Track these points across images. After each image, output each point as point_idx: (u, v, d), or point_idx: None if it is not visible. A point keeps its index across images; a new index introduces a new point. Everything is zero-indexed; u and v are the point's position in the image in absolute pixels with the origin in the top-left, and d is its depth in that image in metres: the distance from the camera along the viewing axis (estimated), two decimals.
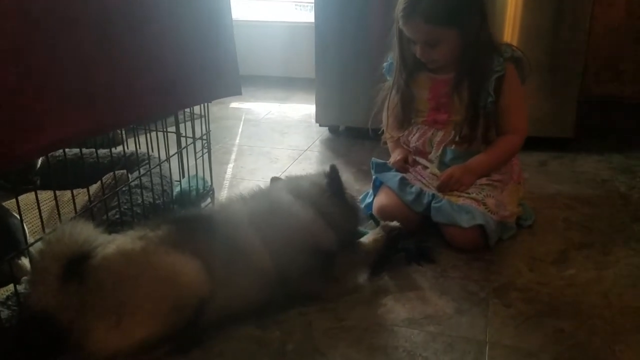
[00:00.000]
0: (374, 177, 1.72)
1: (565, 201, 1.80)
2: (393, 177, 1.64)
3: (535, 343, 1.14)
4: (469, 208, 1.50)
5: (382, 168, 1.74)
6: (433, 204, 1.54)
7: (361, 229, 1.51)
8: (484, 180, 1.59)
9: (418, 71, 1.66)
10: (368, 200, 1.71)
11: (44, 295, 1.04)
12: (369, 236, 1.44)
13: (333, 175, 1.36)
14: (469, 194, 1.55)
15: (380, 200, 1.63)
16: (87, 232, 1.10)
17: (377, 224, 1.53)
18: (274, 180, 1.49)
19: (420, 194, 1.58)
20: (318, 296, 1.28)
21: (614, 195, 1.85)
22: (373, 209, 1.63)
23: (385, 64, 1.76)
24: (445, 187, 1.57)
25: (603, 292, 1.31)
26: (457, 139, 1.62)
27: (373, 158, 1.78)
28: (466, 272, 1.41)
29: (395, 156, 1.76)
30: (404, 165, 1.72)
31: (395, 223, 1.48)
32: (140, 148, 1.72)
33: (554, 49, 2.14)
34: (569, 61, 2.15)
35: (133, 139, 1.69)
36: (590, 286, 1.33)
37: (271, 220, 1.27)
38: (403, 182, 1.61)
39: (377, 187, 1.70)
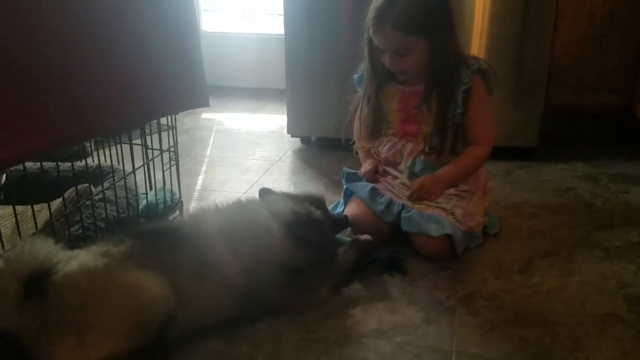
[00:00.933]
0: (345, 186, 1.72)
1: (530, 209, 1.84)
2: (363, 187, 1.65)
3: (500, 352, 1.15)
4: (438, 217, 1.52)
5: (353, 178, 1.75)
6: (403, 214, 1.55)
7: (340, 237, 1.50)
8: (452, 191, 1.61)
9: (387, 82, 1.67)
10: (339, 209, 1.72)
11: (4, 314, 1.01)
12: (341, 250, 1.44)
13: (297, 228, 1.29)
14: (437, 203, 1.57)
15: (351, 210, 1.63)
16: (46, 249, 1.08)
17: (355, 232, 1.54)
18: (264, 191, 1.45)
19: (390, 203, 1.59)
20: (286, 309, 1.28)
21: (578, 203, 1.89)
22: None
23: (355, 75, 1.77)
24: (416, 197, 1.59)
25: (567, 300, 1.33)
26: (426, 149, 1.64)
27: (344, 168, 1.79)
28: (434, 281, 1.42)
29: (365, 166, 1.78)
30: (374, 176, 1.74)
31: (366, 237, 1.49)
32: (105, 161, 1.70)
33: (519, 60, 2.20)
34: (534, 72, 2.20)
35: (99, 151, 1.67)
36: (554, 294, 1.36)
37: (242, 233, 1.26)
38: (373, 192, 1.62)
39: (348, 196, 1.71)
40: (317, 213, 1.37)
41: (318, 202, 1.43)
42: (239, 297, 1.21)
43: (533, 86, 2.21)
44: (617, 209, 1.84)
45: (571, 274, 1.44)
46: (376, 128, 1.73)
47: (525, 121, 2.25)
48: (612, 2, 2.37)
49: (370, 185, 1.66)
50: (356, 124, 1.79)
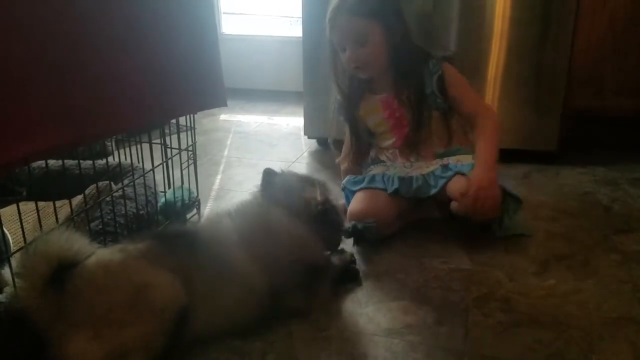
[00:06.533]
0: (343, 189, 1.75)
1: (547, 213, 1.82)
2: (364, 180, 1.67)
3: (513, 353, 1.15)
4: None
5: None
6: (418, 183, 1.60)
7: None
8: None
9: (362, 97, 1.72)
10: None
11: (28, 292, 1.04)
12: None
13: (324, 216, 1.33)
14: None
15: (355, 206, 1.62)
16: (82, 242, 1.12)
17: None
18: (268, 173, 1.41)
19: (403, 179, 1.62)
20: (304, 311, 1.28)
21: (596, 207, 1.87)
22: (347, 217, 1.62)
23: (334, 105, 1.80)
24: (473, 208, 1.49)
25: (582, 303, 1.32)
26: (408, 146, 1.68)
27: (343, 182, 1.77)
28: (447, 282, 1.42)
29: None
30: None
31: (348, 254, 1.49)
32: (126, 160, 1.73)
33: (537, 63, 2.18)
34: (553, 75, 2.18)
35: (120, 150, 1.70)
36: (569, 296, 1.35)
37: (261, 237, 1.26)
38: (380, 177, 1.65)
39: (348, 197, 1.72)
40: (333, 198, 1.38)
41: (325, 187, 1.41)
42: (260, 301, 1.22)
43: (552, 89, 2.19)
44: (635, 213, 1.82)
45: (587, 277, 1.43)
46: (361, 151, 1.79)
47: (544, 124, 2.23)
48: (634, 4, 2.34)
49: (368, 176, 1.68)
50: (345, 144, 1.84)
